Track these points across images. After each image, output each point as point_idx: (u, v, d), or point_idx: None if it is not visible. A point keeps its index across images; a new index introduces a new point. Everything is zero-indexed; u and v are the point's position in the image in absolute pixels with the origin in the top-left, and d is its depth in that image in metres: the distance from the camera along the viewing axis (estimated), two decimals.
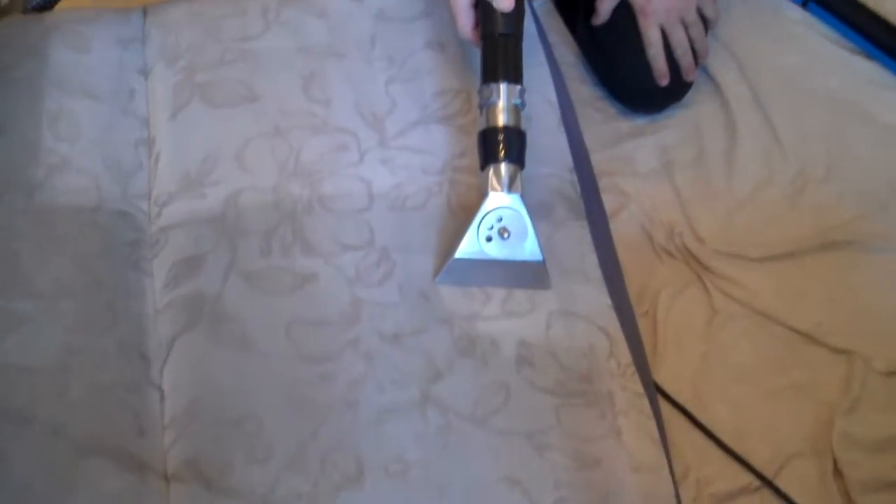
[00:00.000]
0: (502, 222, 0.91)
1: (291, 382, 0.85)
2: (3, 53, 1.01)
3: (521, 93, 0.94)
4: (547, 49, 1.10)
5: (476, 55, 0.98)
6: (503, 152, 0.91)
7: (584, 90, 1.38)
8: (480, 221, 0.91)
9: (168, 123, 1.00)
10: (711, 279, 1.20)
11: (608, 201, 1.15)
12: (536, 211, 0.96)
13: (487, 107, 0.94)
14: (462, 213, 0.96)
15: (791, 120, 1.32)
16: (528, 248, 0.91)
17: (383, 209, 0.96)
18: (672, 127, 1.34)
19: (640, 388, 0.89)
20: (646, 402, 0.88)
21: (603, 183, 1.18)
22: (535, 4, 1.38)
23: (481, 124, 0.94)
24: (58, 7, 1.10)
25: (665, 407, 1.09)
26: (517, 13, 0.96)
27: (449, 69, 1.04)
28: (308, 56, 1.05)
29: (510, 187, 0.90)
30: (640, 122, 1.35)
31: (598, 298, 0.93)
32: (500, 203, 0.90)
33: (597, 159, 1.12)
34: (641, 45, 1.28)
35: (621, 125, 1.35)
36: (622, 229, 1.23)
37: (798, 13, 1.42)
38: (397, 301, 0.90)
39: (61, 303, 0.86)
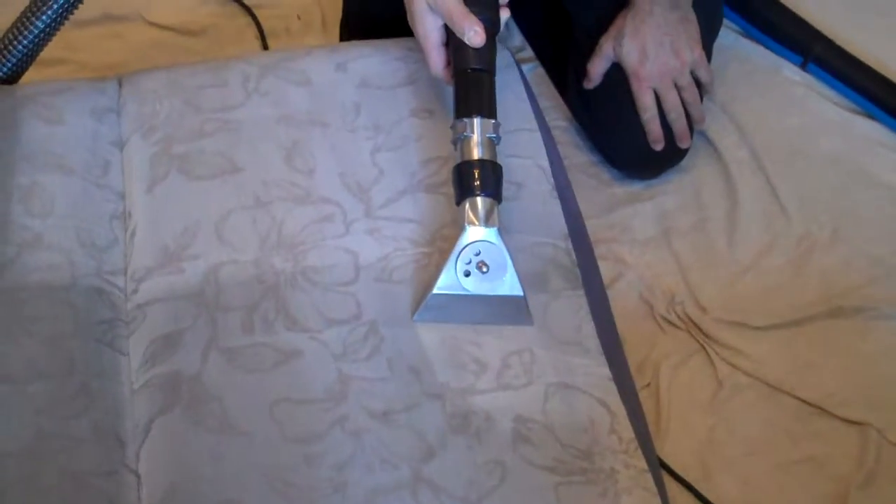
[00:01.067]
0: (480, 256, 0.91)
1: (275, 466, 0.84)
2: None
3: (496, 127, 0.95)
4: (538, 113, 1.11)
5: None
6: (479, 186, 0.92)
7: (577, 155, 1.39)
8: (458, 256, 0.91)
9: (144, 196, 1.00)
10: (715, 349, 1.20)
11: (605, 270, 1.15)
12: (531, 281, 0.96)
13: (462, 141, 0.95)
14: None
15: (793, 183, 1.33)
16: (507, 282, 0.92)
17: (370, 281, 0.96)
18: (670, 192, 1.35)
19: (643, 465, 0.88)
20: (650, 479, 0.87)
21: (599, 251, 1.18)
22: (525, 68, 1.40)
23: (456, 158, 0.95)
24: (30, 79, 1.11)
25: (670, 484, 1.08)
26: (489, 49, 0.99)
27: (436, 136, 1.05)
28: (290, 125, 1.06)
29: (487, 221, 0.91)
30: (637, 187, 1.36)
31: (597, 370, 0.92)
32: (478, 237, 0.91)
33: (592, 226, 1.13)
34: (635, 109, 1.30)
35: (616, 191, 1.36)
36: (620, 299, 1.23)
37: (797, 74, 1.44)
38: (386, 376, 0.90)
39: (32, 385, 0.86)
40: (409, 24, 1.02)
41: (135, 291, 0.95)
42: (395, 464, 0.85)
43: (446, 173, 1.02)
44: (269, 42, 1.59)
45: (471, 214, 0.92)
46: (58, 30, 1.09)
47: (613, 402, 0.91)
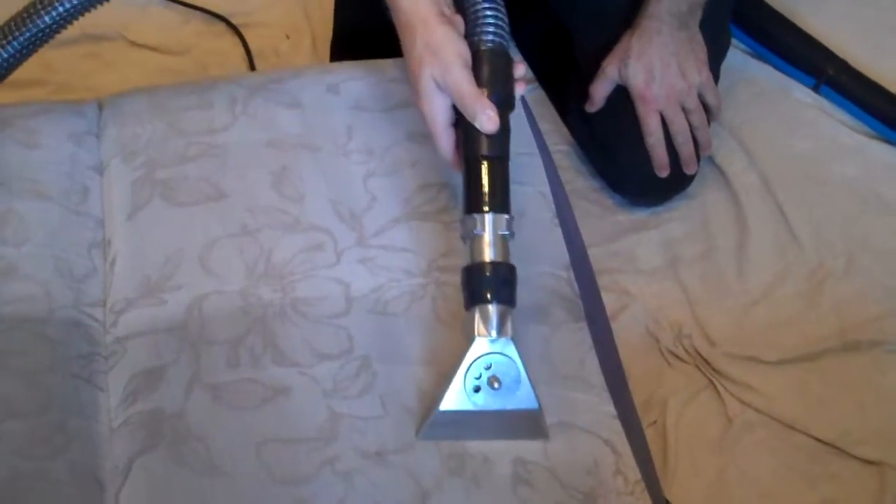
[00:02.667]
0: (491, 370, 0.87)
1: None
2: None
3: (510, 223, 0.91)
4: (538, 137, 1.11)
5: None
6: (491, 293, 0.87)
7: (579, 181, 1.40)
8: (467, 371, 0.87)
9: (125, 224, 1.00)
10: (725, 384, 1.20)
11: (609, 301, 1.15)
12: (531, 312, 0.96)
13: (472, 239, 0.90)
14: (449, 319, 0.95)
15: (805, 210, 1.34)
16: (521, 395, 0.88)
17: (363, 314, 0.96)
18: (676, 220, 1.35)
19: None
20: None
21: (603, 281, 1.18)
22: (525, 90, 1.40)
23: (465, 258, 0.91)
24: (6, 100, 1.11)
25: None
26: (503, 133, 0.93)
27: (433, 161, 1.05)
28: (279, 149, 1.06)
29: (500, 331, 0.87)
30: (641, 214, 1.36)
31: (600, 407, 0.92)
32: (489, 350, 0.87)
33: (595, 255, 1.13)
34: (639, 134, 1.30)
35: (620, 218, 1.36)
36: (625, 332, 1.23)
37: (809, 96, 1.45)
38: (380, 415, 0.89)
39: (6, 424, 0.85)
40: (414, 102, 0.97)
41: (114, 324, 0.94)
42: None
43: (443, 200, 1.02)
44: (257, 62, 1.59)
45: (481, 325, 0.86)
46: (33, 52, 1.09)
47: (618, 442, 0.91)
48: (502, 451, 0.88)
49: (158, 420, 0.88)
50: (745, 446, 1.15)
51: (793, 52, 1.47)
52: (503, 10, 0.95)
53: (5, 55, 1.02)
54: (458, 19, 0.95)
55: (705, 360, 1.22)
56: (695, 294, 1.28)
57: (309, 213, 1.01)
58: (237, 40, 1.62)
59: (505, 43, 0.96)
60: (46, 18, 1.01)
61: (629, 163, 1.33)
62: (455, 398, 0.87)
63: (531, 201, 1.05)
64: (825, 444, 1.15)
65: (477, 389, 0.87)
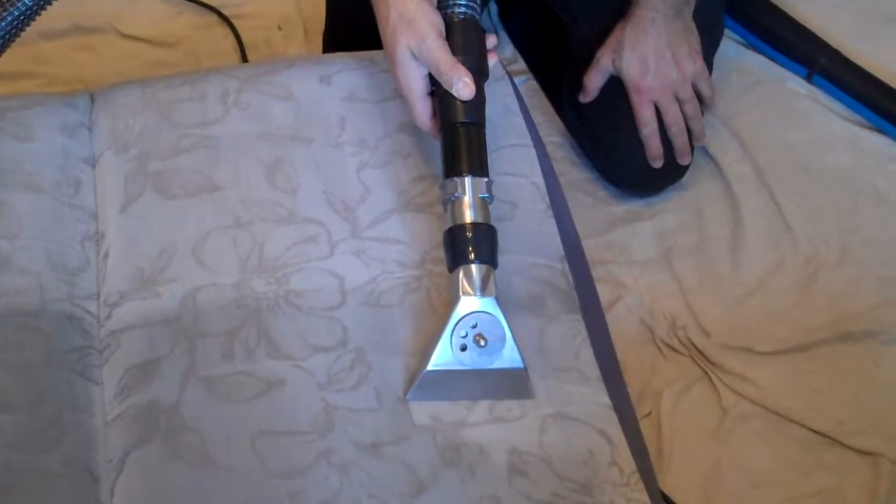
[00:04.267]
0: (477, 329, 0.89)
1: (258, 502, 0.84)
2: None
3: (489, 185, 0.93)
4: (531, 128, 1.11)
5: None
6: (473, 253, 0.90)
7: (573, 172, 1.40)
8: (453, 329, 0.89)
9: (118, 216, 1.00)
10: (719, 375, 1.20)
11: (603, 292, 1.15)
12: (525, 304, 0.96)
13: (452, 202, 0.93)
14: (443, 310, 0.95)
15: (799, 200, 1.34)
16: (507, 354, 0.90)
17: (357, 306, 0.96)
18: (670, 210, 1.36)
19: (645, 499, 0.88)
20: None
21: (597, 272, 1.18)
22: (517, 81, 1.40)
23: (446, 222, 0.93)
24: None
25: None
26: (478, 100, 0.96)
27: (427, 153, 1.05)
28: (272, 141, 1.05)
29: (483, 290, 0.89)
30: (636, 205, 1.36)
31: (595, 399, 0.92)
32: (474, 308, 0.89)
33: (589, 247, 1.13)
34: (633, 124, 1.30)
35: (615, 209, 1.36)
36: (619, 323, 1.23)
37: (802, 86, 1.45)
38: (374, 407, 0.89)
39: (1, 417, 0.85)
40: (391, 72, 1.00)
41: (108, 317, 0.94)
42: (384, 499, 0.84)
43: (436, 192, 1.02)
44: (249, 54, 1.59)
45: (465, 284, 0.89)
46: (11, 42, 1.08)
47: (614, 433, 0.91)
48: (498, 441, 0.88)
49: (153, 413, 0.88)
50: (739, 437, 1.15)
51: (785, 42, 1.47)
52: None
53: None
54: None
55: (700, 352, 1.22)
56: (689, 285, 1.28)
57: (302, 205, 1.01)
58: (229, 32, 1.62)
59: (477, 15, 0.98)
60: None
61: (623, 153, 1.34)
62: (442, 357, 0.89)
63: (525, 193, 1.05)
64: (819, 434, 1.15)
65: (463, 348, 0.89)
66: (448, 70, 0.94)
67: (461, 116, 0.95)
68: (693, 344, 1.23)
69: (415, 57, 0.96)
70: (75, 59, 1.55)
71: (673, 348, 1.24)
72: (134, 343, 0.92)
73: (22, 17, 1.04)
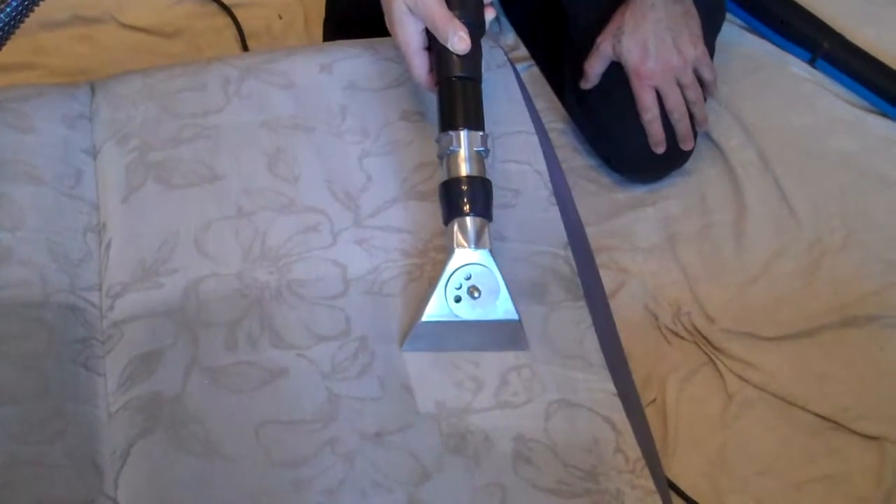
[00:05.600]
0: (471, 280, 0.90)
1: (262, 491, 0.84)
2: None
3: (485, 139, 0.94)
4: (534, 115, 1.10)
5: None
6: (468, 205, 0.91)
7: (576, 159, 1.39)
8: (447, 281, 0.90)
9: (120, 207, 1.00)
10: (724, 361, 1.20)
11: (607, 279, 1.15)
12: (529, 291, 0.96)
13: (448, 156, 0.94)
14: None
15: (803, 185, 1.34)
16: (501, 306, 0.91)
17: (360, 295, 0.95)
18: (674, 196, 1.35)
19: (651, 485, 0.88)
20: (658, 501, 0.87)
21: (600, 259, 1.18)
22: (519, 68, 1.40)
23: (442, 175, 0.94)
24: None
25: None
26: (474, 54, 0.97)
27: (429, 140, 1.05)
28: (273, 131, 1.05)
29: (477, 242, 0.90)
30: (639, 191, 1.36)
31: (600, 385, 0.92)
32: (468, 260, 0.90)
33: (593, 234, 1.13)
34: (635, 110, 1.30)
35: (618, 196, 1.36)
36: (623, 310, 1.23)
37: (806, 70, 1.45)
38: (378, 396, 0.89)
39: (3, 409, 0.85)
40: (388, 27, 1.01)
41: (111, 308, 0.94)
42: (388, 487, 0.84)
43: (439, 180, 1.02)
44: (250, 43, 1.59)
45: (460, 236, 0.90)
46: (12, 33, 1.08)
47: (619, 419, 0.91)
48: (503, 428, 0.88)
49: (157, 404, 0.87)
50: (744, 423, 1.15)
51: (788, 26, 1.46)
52: None
53: None
54: None
55: (704, 338, 1.22)
56: (693, 271, 1.28)
57: (304, 194, 1.01)
58: (229, 21, 1.61)
59: None
60: None
61: (625, 140, 1.33)
62: (437, 308, 0.90)
63: (528, 180, 1.05)
64: (825, 419, 1.15)
65: (458, 300, 0.90)
66: (443, 24, 0.95)
67: (457, 70, 0.96)
68: (697, 330, 1.23)
69: (411, 11, 0.97)
70: (75, 50, 1.55)
71: (677, 334, 1.23)
72: (137, 334, 0.92)
73: (21, 9, 1.04)
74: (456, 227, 0.91)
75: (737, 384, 1.18)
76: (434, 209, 0.99)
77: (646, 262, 1.30)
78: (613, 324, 1.03)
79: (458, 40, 0.95)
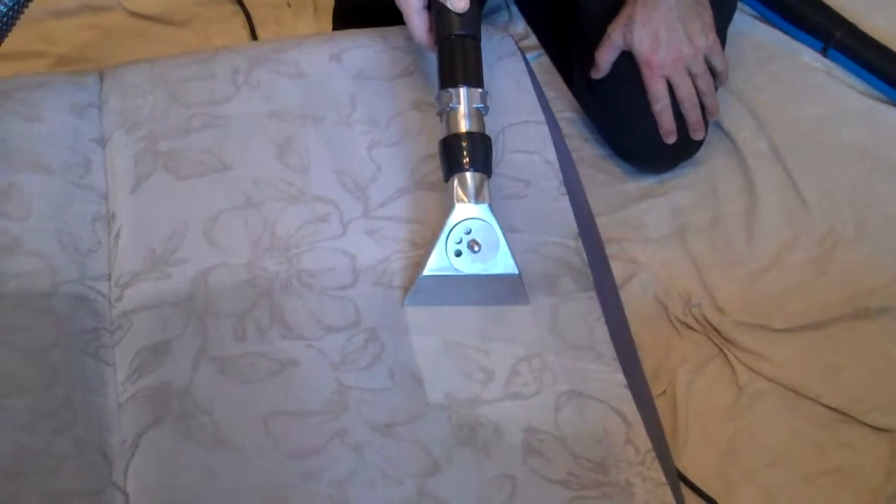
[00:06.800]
0: (471, 234, 0.92)
1: (271, 482, 0.84)
2: None
3: (484, 96, 0.96)
4: (544, 105, 1.10)
5: None
6: (468, 160, 0.93)
7: (586, 149, 1.39)
8: (448, 235, 0.92)
9: (129, 197, 1.00)
10: (735, 353, 1.20)
11: (617, 270, 1.15)
12: (539, 282, 0.96)
13: (448, 113, 0.96)
14: None
15: (815, 176, 1.33)
16: (500, 260, 0.93)
17: (369, 286, 0.96)
18: (684, 187, 1.35)
19: (661, 477, 0.88)
20: (668, 493, 0.87)
21: (611, 250, 1.18)
22: (529, 57, 1.39)
23: (442, 132, 0.96)
24: (4, 73, 1.11)
25: (690, 497, 1.08)
26: (473, 13, 0.99)
27: (438, 130, 1.04)
28: (282, 120, 1.05)
29: (477, 197, 0.92)
30: (649, 182, 1.36)
31: (610, 377, 0.92)
32: (468, 214, 0.92)
33: (603, 224, 1.13)
34: (646, 100, 1.29)
35: (628, 186, 1.36)
36: (634, 301, 1.23)
37: (818, 60, 1.44)
38: (388, 387, 0.89)
39: (12, 400, 0.85)
40: None
41: (120, 298, 0.94)
42: (398, 479, 0.84)
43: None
44: (259, 32, 1.58)
45: (460, 191, 0.92)
46: (16, 20, 1.09)
47: (629, 411, 0.91)
48: (513, 419, 0.88)
49: (165, 394, 0.88)
50: (755, 414, 1.15)
51: (801, 15, 1.46)
52: None
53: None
54: None
55: (715, 329, 1.22)
56: (703, 262, 1.28)
57: (313, 184, 1.01)
58: (238, 9, 1.61)
59: None
60: None
61: (636, 129, 1.33)
62: (438, 262, 0.92)
63: (538, 170, 1.04)
64: (836, 411, 1.15)
65: (458, 254, 0.92)
66: None
67: (456, 29, 0.99)
68: (708, 321, 1.23)
69: None
70: (84, 39, 1.55)
71: (688, 326, 1.23)
72: (146, 324, 0.92)
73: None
74: (456, 183, 0.93)
75: (747, 376, 1.18)
76: (444, 199, 0.99)
77: (656, 253, 1.29)
78: (624, 315, 1.03)
79: None
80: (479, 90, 0.96)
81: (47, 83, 1.08)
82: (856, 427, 1.14)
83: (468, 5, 0.98)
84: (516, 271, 0.93)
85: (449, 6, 0.98)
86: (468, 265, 0.92)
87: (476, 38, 0.99)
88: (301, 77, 1.09)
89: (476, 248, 0.92)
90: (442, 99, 0.96)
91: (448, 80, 0.97)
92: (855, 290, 1.24)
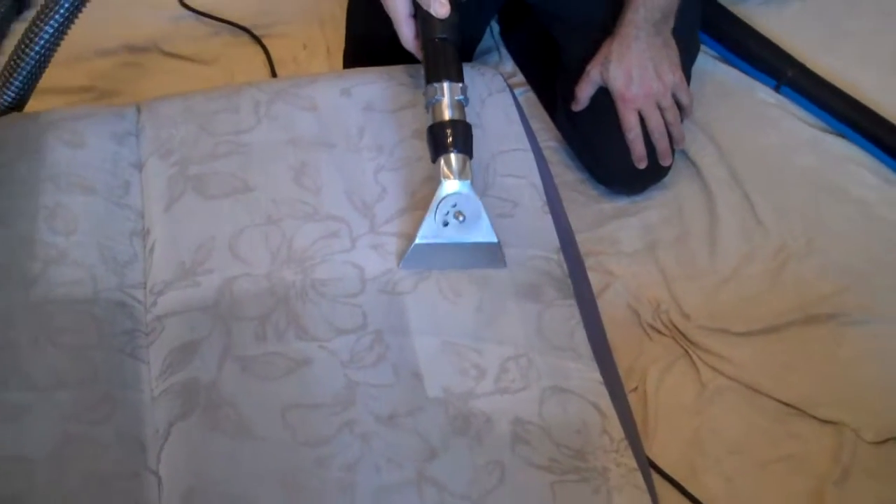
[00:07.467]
0: (456, 207, 0.95)
1: (288, 468, 0.84)
2: (1, 152, 1.02)
3: (464, 90, 0.99)
4: (530, 135, 1.10)
5: None
6: (452, 143, 0.96)
7: (567, 174, 1.39)
8: (437, 207, 0.94)
9: (162, 215, 1.00)
10: (699, 354, 1.20)
11: (594, 280, 1.15)
12: (525, 291, 0.96)
13: (433, 104, 0.98)
14: (452, 296, 0.95)
15: (769, 198, 1.33)
16: (482, 229, 0.95)
17: (375, 293, 0.96)
18: (654, 207, 1.35)
19: (633, 463, 0.88)
20: (640, 477, 0.87)
21: (589, 263, 1.18)
22: (517, 92, 1.40)
23: (428, 120, 0.98)
24: (53, 106, 1.11)
25: (659, 481, 1.08)
26: (453, 21, 1.02)
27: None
28: (298, 147, 1.05)
29: (461, 174, 0.95)
30: (623, 203, 1.36)
31: (589, 375, 0.92)
32: (454, 189, 0.95)
33: (582, 240, 1.12)
34: (620, 130, 1.30)
35: (604, 206, 1.36)
36: (609, 308, 1.23)
37: (771, 96, 1.45)
38: (392, 382, 0.89)
39: (59, 393, 0.85)
40: None
41: (154, 304, 0.94)
42: (400, 464, 0.84)
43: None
44: (278, 70, 1.59)
45: (446, 169, 0.95)
46: (54, 51, 1.10)
47: (605, 405, 0.91)
48: (502, 411, 0.89)
49: (194, 389, 0.88)
50: (716, 409, 1.15)
51: (756, 56, 1.46)
52: None
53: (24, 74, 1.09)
54: None
55: (681, 333, 1.22)
56: (671, 273, 1.28)
57: (326, 203, 1.01)
58: (260, 50, 1.61)
59: None
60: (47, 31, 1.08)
61: (611, 156, 1.33)
62: (428, 232, 0.96)
63: (524, 192, 1.05)
64: (788, 406, 1.15)
65: (446, 224, 0.95)
66: None
67: (438, 32, 1.01)
68: (675, 326, 1.23)
69: None
70: (124, 76, 1.55)
71: (657, 330, 1.23)
72: (176, 327, 0.92)
73: (54, 40, 1.06)
74: (442, 163, 0.96)
75: (709, 374, 1.18)
76: None
77: (629, 266, 1.29)
78: (600, 320, 1.03)
79: (439, 6, 1.00)
80: (460, 84, 0.99)
81: (91, 114, 1.08)
82: (806, 420, 1.14)
83: (449, 12, 1.01)
84: (495, 239, 0.96)
85: (432, 13, 1.00)
86: (454, 235, 0.95)
87: (456, 43, 1.02)
88: (315, 109, 1.09)
89: (461, 219, 0.95)
90: (428, 92, 0.99)
91: (433, 75, 0.99)
92: (805, 298, 1.24)
